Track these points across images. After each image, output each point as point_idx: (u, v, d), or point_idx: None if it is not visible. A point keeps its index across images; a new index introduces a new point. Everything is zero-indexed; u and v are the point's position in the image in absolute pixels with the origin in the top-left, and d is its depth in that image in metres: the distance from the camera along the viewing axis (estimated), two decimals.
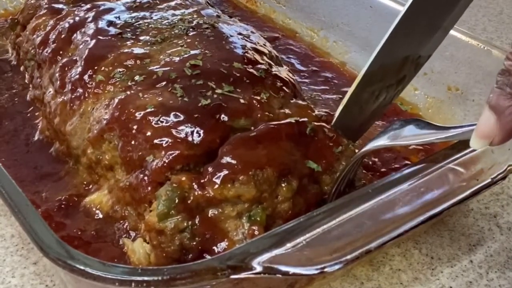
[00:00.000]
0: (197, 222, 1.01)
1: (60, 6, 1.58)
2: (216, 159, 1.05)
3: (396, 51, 1.09)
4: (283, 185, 1.05)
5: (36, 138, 1.37)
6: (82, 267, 0.81)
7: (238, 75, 1.22)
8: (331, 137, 1.13)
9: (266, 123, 1.11)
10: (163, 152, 1.07)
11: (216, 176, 1.01)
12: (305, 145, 1.10)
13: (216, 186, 1.00)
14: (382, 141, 1.03)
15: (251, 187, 1.01)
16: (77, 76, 1.28)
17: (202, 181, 1.01)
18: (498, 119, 0.81)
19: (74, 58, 1.34)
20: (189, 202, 1.01)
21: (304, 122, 1.12)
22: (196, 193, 1.01)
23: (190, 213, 1.01)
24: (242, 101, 1.16)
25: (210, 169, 1.02)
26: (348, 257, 0.85)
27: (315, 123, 1.13)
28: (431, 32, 1.10)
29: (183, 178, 1.02)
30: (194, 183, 1.01)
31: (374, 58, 1.07)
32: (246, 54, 1.30)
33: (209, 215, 1.02)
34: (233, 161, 1.03)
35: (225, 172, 1.01)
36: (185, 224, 1.01)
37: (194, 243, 1.01)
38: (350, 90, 1.11)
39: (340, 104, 1.13)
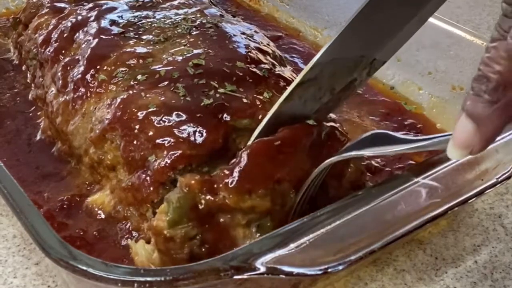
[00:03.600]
0: (207, 229, 1.00)
1: (62, 5, 1.57)
2: (233, 163, 1.02)
3: (350, 47, 1.05)
4: (291, 195, 1.03)
5: (38, 137, 1.37)
6: (84, 268, 0.81)
7: (241, 74, 1.21)
8: (342, 141, 1.11)
9: (287, 127, 1.07)
10: (165, 152, 1.06)
11: (233, 184, 0.99)
12: (318, 152, 1.08)
13: (232, 195, 0.98)
14: (350, 151, 1.01)
15: (267, 200, 0.99)
16: (80, 76, 1.27)
17: (215, 185, 0.99)
18: (477, 128, 0.77)
19: (77, 57, 1.34)
20: (200, 208, 0.99)
21: (320, 126, 1.10)
22: (208, 199, 0.98)
23: (201, 221, 0.99)
24: (245, 100, 1.15)
25: (226, 172, 1.00)
26: (352, 257, 0.85)
27: (330, 125, 1.12)
28: (389, 35, 1.07)
29: (193, 182, 0.99)
30: (205, 188, 0.99)
31: (326, 50, 1.02)
32: (249, 53, 1.29)
33: (219, 222, 1.00)
34: (253, 171, 1.00)
35: (243, 182, 0.99)
36: (195, 231, 0.99)
37: (203, 249, 0.99)
38: (295, 81, 1.05)
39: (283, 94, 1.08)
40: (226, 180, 0.99)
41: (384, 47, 1.07)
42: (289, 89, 1.06)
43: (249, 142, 1.07)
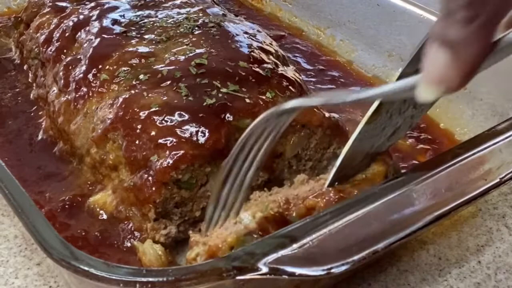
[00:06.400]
0: None
1: (64, 4, 1.57)
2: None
3: None
4: None
5: (39, 137, 1.37)
6: (86, 268, 0.81)
7: (243, 74, 1.21)
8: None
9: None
10: (167, 152, 1.06)
11: None
12: None
13: None
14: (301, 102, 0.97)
15: None
16: (81, 75, 1.27)
17: None
18: (453, 57, 0.61)
19: (78, 56, 1.34)
20: None
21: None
22: None
23: None
24: (247, 100, 1.15)
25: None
26: (355, 258, 0.84)
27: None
28: None
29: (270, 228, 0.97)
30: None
31: (411, 60, 0.93)
32: (252, 53, 1.29)
33: None
34: None
35: None
36: None
37: None
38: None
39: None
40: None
41: None
42: (377, 102, 0.99)
43: (338, 162, 1.02)
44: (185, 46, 1.30)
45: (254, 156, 1.00)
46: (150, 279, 0.80)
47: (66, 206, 1.17)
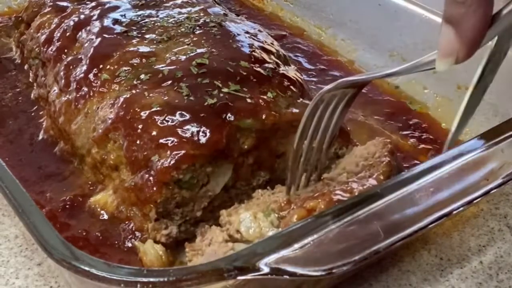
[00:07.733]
0: None
1: (65, 3, 1.57)
2: None
3: None
4: None
5: (40, 137, 1.37)
6: (87, 268, 0.81)
7: (244, 74, 1.21)
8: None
9: None
10: (168, 152, 1.06)
11: None
12: None
13: None
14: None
15: None
16: (82, 75, 1.27)
17: None
18: (456, 31, 0.74)
19: (79, 56, 1.33)
20: None
21: None
22: None
23: None
24: (248, 100, 1.15)
25: None
26: (356, 258, 0.84)
27: None
28: None
29: None
30: None
31: None
32: (253, 53, 1.29)
33: None
34: None
35: None
36: None
37: None
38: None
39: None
40: None
41: None
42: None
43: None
44: (186, 46, 1.30)
45: (326, 123, 1.05)
46: (151, 279, 0.79)
47: (67, 206, 1.17)
